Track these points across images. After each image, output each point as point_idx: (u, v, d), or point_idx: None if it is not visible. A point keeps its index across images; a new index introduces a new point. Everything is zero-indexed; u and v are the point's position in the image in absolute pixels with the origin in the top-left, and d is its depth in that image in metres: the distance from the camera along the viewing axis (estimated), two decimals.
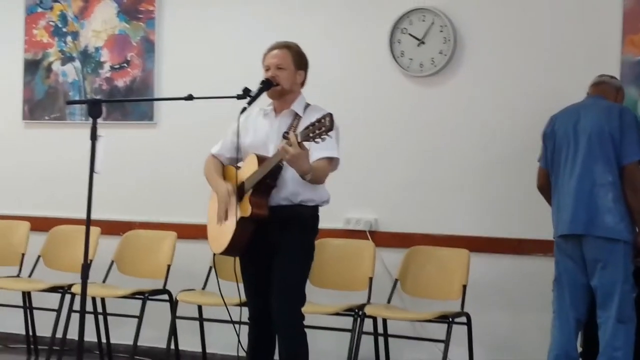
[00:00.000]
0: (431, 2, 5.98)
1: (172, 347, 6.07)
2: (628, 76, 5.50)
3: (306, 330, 4.51)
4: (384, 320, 5.74)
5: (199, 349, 6.21)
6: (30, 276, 6.58)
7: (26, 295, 6.58)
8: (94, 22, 6.92)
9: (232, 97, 4.51)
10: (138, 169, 6.76)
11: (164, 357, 6.03)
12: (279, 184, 4.43)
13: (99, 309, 6.41)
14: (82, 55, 6.95)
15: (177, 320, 6.01)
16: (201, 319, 6.13)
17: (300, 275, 4.53)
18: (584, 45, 5.68)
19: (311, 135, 4.10)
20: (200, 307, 6.08)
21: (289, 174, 4.41)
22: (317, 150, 4.32)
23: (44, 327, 6.51)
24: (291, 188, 4.45)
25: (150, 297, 6.02)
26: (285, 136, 4.35)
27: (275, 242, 4.45)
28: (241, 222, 4.41)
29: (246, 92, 4.49)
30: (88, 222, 4.07)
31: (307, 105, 4.60)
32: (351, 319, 5.60)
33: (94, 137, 4.10)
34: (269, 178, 4.39)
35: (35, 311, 6.62)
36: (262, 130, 4.59)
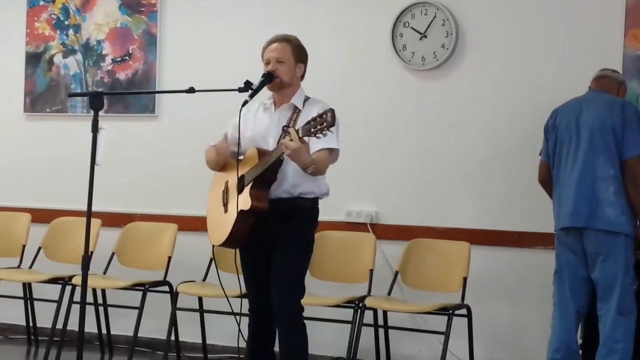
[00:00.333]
0: None
1: (173, 338, 6.08)
2: (630, 70, 5.50)
3: (306, 322, 4.53)
4: (384, 312, 5.75)
5: (199, 340, 6.22)
6: (30, 267, 6.58)
7: (27, 287, 6.60)
8: (95, 15, 6.92)
9: (234, 90, 4.51)
10: (139, 161, 6.77)
11: (164, 348, 6.03)
12: (279, 177, 4.44)
13: (100, 300, 6.42)
14: (84, 48, 6.95)
15: (178, 312, 6.02)
16: (201, 311, 6.14)
17: (299, 267, 4.54)
18: (586, 39, 5.68)
19: (313, 130, 4.11)
20: (200, 299, 6.09)
21: (290, 167, 4.42)
22: (317, 142, 4.32)
23: (44, 318, 6.52)
24: (291, 180, 4.46)
25: (150, 289, 6.03)
26: (285, 130, 4.36)
27: (275, 234, 4.46)
28: (241, 215, 4.42)
29: (248, 85, 4.49)
30: (89, 214, 4.07)
31: (307, 99, 4.61)
32: (351, 310, 5.60)
33: (95, 129, 4.10)
34: (270, 172, 4.39)
35: (35, 302, 6.63)
36: (262, 123, 4.60)
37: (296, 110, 4.54)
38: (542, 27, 5.80)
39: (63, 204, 6.81)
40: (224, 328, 5.65)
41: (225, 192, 4.61)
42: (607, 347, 4.84)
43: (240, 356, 4.99)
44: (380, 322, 5.79)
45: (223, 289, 4.77)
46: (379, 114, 6.15)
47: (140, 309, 5.96)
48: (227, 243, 4.52)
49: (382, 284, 5.81)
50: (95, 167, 4.09)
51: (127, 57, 6.81)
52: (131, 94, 6.83)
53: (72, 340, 5.79)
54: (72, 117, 6.98)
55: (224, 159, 4.62)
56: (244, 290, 4.69)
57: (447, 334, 5.37)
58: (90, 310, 6.22)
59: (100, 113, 4.15)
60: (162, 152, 6.71)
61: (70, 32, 6.99)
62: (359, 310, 5.57)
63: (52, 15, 7.05)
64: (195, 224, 6.06)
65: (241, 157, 4.58)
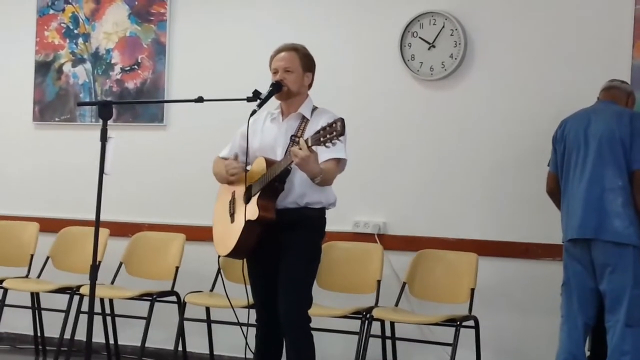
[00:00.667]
0: (442, 5, 5.98)
1: (180, 348, 6.07)
2: (639, 81, 5.48)
3: (314, 332, 4.52)
4: (392, 323, 5.74)
5: (207, 351, 6.22)
6: (39, 277, 6.59)
7: (35, 296, 6.60)
8: (105, 24, 6.94)
9: (242, 99, 4.52)
10: (147, 170, 6.77)
11: (171, 358, 6.03)
12: (286, 187, 4.44)
13: (107, 310, 6.43)
14: (93, 57, 6.96)
15: (185, 322, 6.02)
16: (209, 321, 6.14)
17: (306, 277, 4.54)
18: (594, 50, 5.67)
19: (322, 139, 4.11)
20: (208, 309, 6.09)
21: (297, 177, 4.42)
22: (325, 152, 4.32)
23: (52, 327, 6.52)
24: (298, 190, 4.46)
25: (158, 299, 6.03)
26: (294, 140, 4.35)
27: (282, 244, 4.46)
28: (248, 225, 4.42)
29: (256, 94, 4.50)
30: (97, 224, 4.08)
31: (315, 108, 4.61)
32: (359, 321, 5.59)
33: (104, 138, 4.11)
34: (277, 181, 4.39)
35: (43, 312, 6.63)
36: (269, 133, 4.60)
37: (304, 120, 4.54)
38: (550, 38, 5.79)
39: (71, 214, 6.82)
40: (232, 338, 5.64)
41: (232, 202, 4.61)
42: (615, 359, 4.82)
43: None
44: (388, 333, 5.77)
45: (229, 299, 4.77)
46: (387, 123, 6.14)
47: (148, 319, 5.95)
48: (234, 253, 4.52)
49: (390, 295, 5.80)
50: (104, 176, 4.10)
51: (136, 66, 6.82)
52: (140, 103, 6.84)
53: (80, 350, 5.80)
54: (81, 126, 7.00)
55: (234, 177, 4.60)
56: (251, 300, 4.69)
57: (454, 345, 5.35)
58: (98, 320, 6.22)
59: (109, 122, 4.17)
60: (170, 161, 6.71)
61: (80, 41, 7.01)
62: (366, 321, 5.56)
63: (62, 24, 7.07)
64: (203, 234, 6.05)
65: (248, 167, 4.58)
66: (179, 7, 6.74)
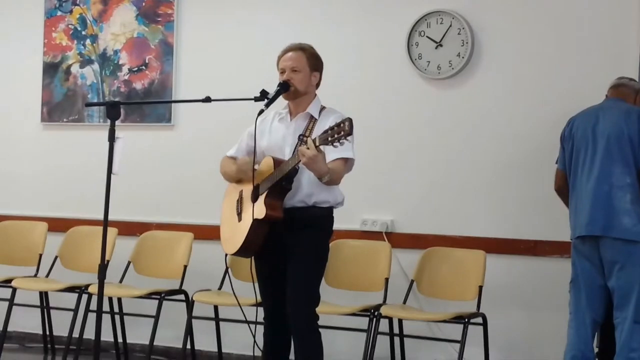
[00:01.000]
0: (449, 4, 5.99)
1: (188, 347, 6.09)
2: None
3: (322, 330, 4.53)
4: (400, 321, 5.75)
5: (215, 349, 6.23)
6: (47, 276, 6.61)
7: (43, 295, 6.63)
8: (112, 25, 6.96)
9: (250, 99, 4.53)
10: (155, 170, 6.79)
11: (180, 357, 6.05)
12: (294, 186, 4.44)
13: (116, 309, 6.44)
14: (101, 58, 6.98)
15: (193, 320, 6.04)
16: (217, 319, 6.15)
17: (314, 275, 4.55)
18: (601, 46, 5.67)
19: (330, 139, 4.11)
20: (216, 307, 6.11)
21: (305, 176, 4.43)
22: (332, 151, 4.33)
23: (61, 326, 6.55)
24: (306, 190, 4.47)
25: (166, 297, 6.05)
26: (302, 139, 4.36)
27: (289, 243, 4.47)
28: (255, 224, 4.43)
29: (263, 94, 4.50)
30: (105, 223, 4.10)
31: (323, 108, 4.61)
32: (367, 319, 5.60)
33: (112, 138, 4.13)
34: (285, 181, 4.40)
35: (52, 311, 6.66)
36: (278, 133, 4.60)
37: (312, 120, 4.55)
38: (557, 36, 5.79)
39: (79, 213, 6.85)
40: (240, 337, 5.66)
41: (240, 201, 4.62)
42: (623, 356, 4.82)
43: None
44: (396, 330, 5.78)
45: (236, 298, 4.77)
46: (395, 122, 6.15)
47: (156, 317, 5.97)
48: (241, 252, 4.53)
49: (398, 293, 5.81)
50: (112, 176, 4.12)
51: (143, 67, 6.84)
52: (148, 104, 6.85)
53: (89, 348, 5.82)
54: (89, 127, 7.02)
55: (245, 176, 4.61)
56: (259, 299, 4.70)
57: (462, 342, 5.36)
58: (106, 318, 6.24)
59: (117, 122, 4.18)
60: (178, 161, 6.72)
61: (88, 42, 7.03)
62: (375, 319, 5.57)
63: (70, 26, 7.09)
64: (211, 233, 6.05)
65: (256, 167, 4.59)
66: (186, 8, 6.75)
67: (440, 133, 6.04)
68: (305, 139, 4.31)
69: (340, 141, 4.10)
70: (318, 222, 4.54)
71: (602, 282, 4.95)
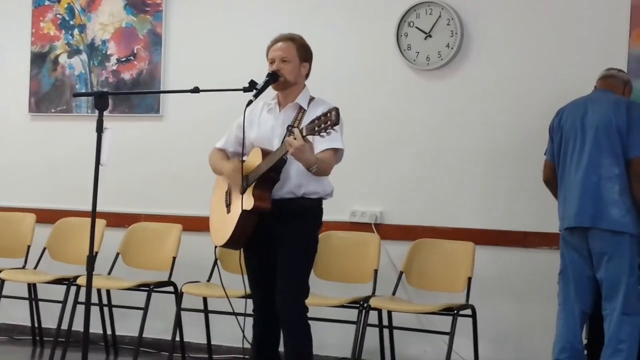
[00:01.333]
0: None
1: (177, 338, 6.08)
2: (635, 70, 5.48)
3: (311, 322, 4.52)
4: (389, 313, 5.75)
5: (204, 341, 6.23)
6: (35, 268, 6.59)
7: (32, 287, 6.61)
8: (101, 15, 6.92)
9: (238, 89, 4.52)
10: (144, 161, 6.77)
11: (169, 348, 6.03)
12: (282, 177, 4.43)
13: (104, 301, 6.43)
14: (89, 48, 6.95)
15: (182, 312, 6.02)
16: (206, 311, 6.14)
17: (303, 267, 4.54)
18: (591, 38, 5.67)
19: (317, 129, 4.11)
20: (205, 299, 6.10)
21: (293, 167, 4.42)
22: (321, 142, 4.32)
23: (49, 318, 6.53)
24: (295, 181, 4.45)
25: (155, 289, 6.04)
26: (289, 130, 4.35)
27: (278, 234, 4.46)
28: (243, 215, 4.42)
29: (252, 84, 4.49)
30: (93, 214, 4.08)
31: (312, 99, 4.60)
32: (356, 311, 5.60)
33: (100, 129, 4.11)
34: (273, 171, 4.39)
35: (40, 303, 6.65)
36: (266, 124, 4.59)
37: (301, 110, 4.53)
38: (547, 27, 5.79)
39: (68, 204, 6.82)
40: (229, 328, 5.64)
41: (229, 192, 4.60)
42: (612, 347, 4.83)
43: (245, 357, 5.00)
44: (385, 322, 5.79)
45: (225, 290, 4.77)
46: (384, 113, 6.14)
47: (145, 309, 5.96)
48: (229, 244, 4.51)
49: (387, 284, 5.81)
50: (100, 167, 4.10)
51: (132, 57, 6.81)
52: (136, 94, 6.83)
53: (77, 340, 5.79)
54: (77, 117, 6.99)
55: (233, 182, 4.57)
56: (248, 290, 4.69)
57: (451, 334, 5.37)
58: (95, 310, 6.21)
59: (105, 113, 4.17)
60: (167, 152, 6.71)
61: (76, 32, 7.00)
62: (364, 311, 5.57)
63: (58, 15, 7.06)
64: (200, 224, 6.05)
65: (245, 158, 4.57)
66: None
67: (430, 124, 6.04)
68: (292, 129, 4.29)
69: (327, 131, 4.09)
70: (307, 213, 4.53)
71: (591, 273, 4.96)
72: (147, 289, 6.00)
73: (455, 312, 5.39)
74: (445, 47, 5.96)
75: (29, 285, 6.58)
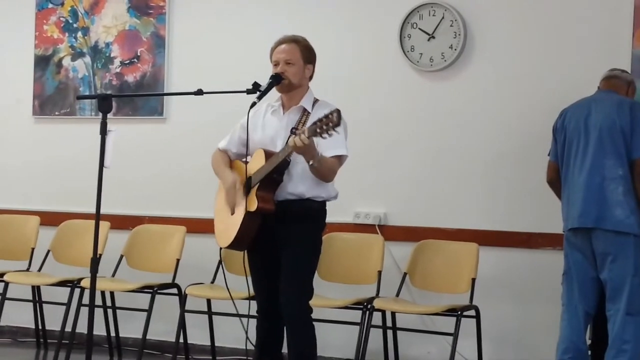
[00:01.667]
0: None
1: (181, 340, 6.08)
2: (638, 70, 5.47)
3: (315, 323, 4.53)
4: (393, 314, 5.75)
5: (208, 343, 6.23)
6: (39, 270, 6.59)
7: (36, 289, 6.62)
8: (104, 17, 6.93)
9: (242, 91, 4.52)
10: (148, 163, 6.77)
11: (172, 350, 6.03)
12: (286, 180, 4.43)
13: (108, 303, 6.43)
14: (93, 50, 6.96)
15: (186, 314, 6.03)
16: (210, 313, 6.15)
17: (308, 268, 4.54)
18: (594, 39, 5.67)
19: (318, 130, 4.11)
20: (209, 301, 6.10)
21: (297, 171, 4.43)
22: (326, 150, 4.34)
23: (53, 321, 6.54)
24: (299, 186, 4.46)
25: (159, 291, 6.04)
26: (294, 132, 4.35)
27: (282, 236, 4.46)
28: (247, 217, 4.42)
29: (256, 86, 4.49)
30: (97, 217, 4.09)
31: (316, 101, 4.60)
32: (360, 312, 5.60)
33: (103, 132, 4.11)
34: (276, 173, 4.40)
35: (44, 305, 6.65)
36: (271, 127, 4.59)
37: (305, 113, 4.54)
38: (550, 28, 5.79)
39: (72, 207, 6.83)
40: (233, 330, 5.64)
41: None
42: (616, 348, 4.83)
43: (249, 358, 4.99)
44: (389, 323, 5.78)
45: (229, 291, 4.77)
46: (387, 115, 6.14)
47: (149, 311, 5.96)
48: (234, 245, 4.52)
49: (391, 286, 5.80)
50: (104, 169, 4.10)
51: (135, 60, 6.82)
52: (139, 96, 6.83)
53: (81, 342, 5.78)
54: (81, 120, 6.99)
55: (232, 197, 4.57)
56: (252, 292, 4.69)
57: (455, 335, 5.36)
58: (99, 312, 6.21)
59: (109, 116, 4.17)
60: (170, 154, 6.71)
61: (79, 34, 7.01)
62: (368, 312, 5.57)
63: (61, 18, 7.06)
64: (203, 226, 6.06)
65: (248, 159, 4.57)
66: (178, 0, 6.72)
67: (433, 125, 6.04)
68: (298, 132, 4.30)
69: (329, 132, 4.09)
70: (311, 215, 4.53)
71: (595, 274, 4.96)
72: (151, 291, 6.00)
73: (459, 313, 5.39)
74: (448, 49, 5.96)
75: (33, 287, 6.59)
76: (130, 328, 6.49)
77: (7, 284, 6.32)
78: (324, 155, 4.34)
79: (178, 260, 6.24)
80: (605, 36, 5.65)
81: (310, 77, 4.63)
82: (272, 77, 4.53)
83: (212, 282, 6.11)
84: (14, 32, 7.23)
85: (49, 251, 6.64)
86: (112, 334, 6.49)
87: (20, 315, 6.88)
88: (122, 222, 6.63)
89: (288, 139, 4.39)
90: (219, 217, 4.66)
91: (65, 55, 7.04)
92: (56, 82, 7.06)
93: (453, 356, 5.38)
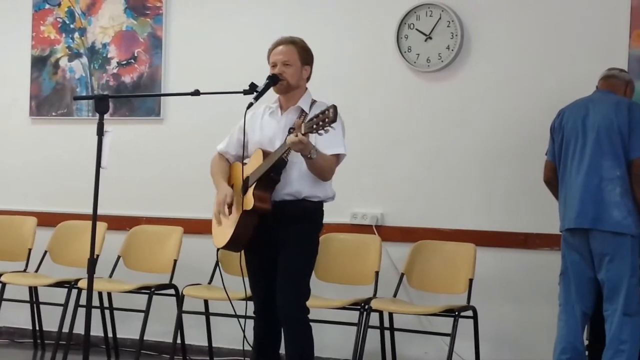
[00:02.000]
0: None
1: (179, 341, 6.08)
2: (635, 70, 5.47)
3: (312, 324, 4.53)
4: (390, 314, 5.75)
5: (205, 343, 6.23)
6: (37, 271, 6.59)
7: (33, 290, 6.62)
8: (101, 18, 6.93)
9: (239, 92, 4.53)
10: (145, 164, 6.77)
11: (170, 351, 6.02)
12: (283, 181, 4.44)
13: (106, 304, 6.43)
14: (90, 51, 6.96)
15: (183, 315, 6.02)
16: (207, 314, 6.14)
17: (305, 269, 4.55)
18: (591, 39, 5.67)
19: (315, 127, 4.12)
20: (206, 302, 6.10)
21: (295, 172, 4.43)
22: (324, 148, 4.35)
23: (50, 321, 6.53)
24: (296, 186, 4.46)
25: (156, 292, 6.04)
26: (291, 132, 4.36)
27: (279, 236, 4.47)
28: (244, 216, 4.43)
29: (252, 87, 4.49)
30: (94, 217, 4.09)
31: (314, 102, 4.61)
32: (357, 313, 5.60)
33: (100, 132, 4.11)
34: (273, 172, 4.40)
35: (41, 306, 6.64)
36: (268, 128, 4.60)
37: (303, 114, 4.54)
38: (547, 28, 5.79)
39: (69, 208, 6.82)
40: (230, 331, 5.65)
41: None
42: (613, 348, 4.83)
43: (246, 359, 4.99)
44: (386, 324, 5.78)
45: (227, 292, 4.77)
46: (384, 115, 6.14)
47: (146, 312, 5.96)
48: (230, 245, 4.52)
49: (388, 286, 5.80)
50: (101, 170, 4.10)
51: (132, 60, 6.81)
52: (136, 97, 6.83)
53: (79, 343, 5.79)
54: (78, 121, 6.99)
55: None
56: (249, 293, 4.69)
57: (453, 335, 5.36)
58: (96, 313, 6.21)
59: (106, 116, 4.18)
60: (167, 155, 6.71)
61: (76, 35, 7.00)
62: (365, 313, 5.57)
63: (58, 19, 7.06)
64: (201, 227, 6.06)
65: (247, 160, 4.58)
66: (175, 0, 6.72)
67: (430, 126, 6.04)
68: (293, 130, 4.30)
69: (325, 128, 4.10)
70: (308, 215, 4.54)
71: (592, 274, 4.96)
72: (148, 291, 6.00)
73: (457, 313, 5.39)
74: (445, 49, 5.96)
75: (30, 288, 6.58)
76: (127, 329, 6.48)
77: (4, 284, 6.31)
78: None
79: (175, 261, 6.23)
80: (602, 36, 5.65)
81: (308, 78, 4.64)
82: (269, 77, 4.54)
83: (210, 282, 6.11)
84: (10, 32, 7.22)
85: (46, 252, 6.64)
86: (110, 334, 6.48)
87: (17, 316, 6.88)
88: (119, 223, 6.62)
89: (285, 139, 4.40)
90: (216, 217, 4.66)
91: (62, 56, 7.04)
92: (53, 82, 7.06)
93: (450, 357, 5.39)
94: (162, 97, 6.73)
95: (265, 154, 4.44)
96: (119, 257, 6.43)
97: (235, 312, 4.76)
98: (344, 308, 5.63)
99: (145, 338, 6.00)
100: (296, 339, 4.48)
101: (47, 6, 7.10)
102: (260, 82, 4.50)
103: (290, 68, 4.54)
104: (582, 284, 4.98)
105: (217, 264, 5.79)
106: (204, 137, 6.01)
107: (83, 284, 5.99)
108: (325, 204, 4.61)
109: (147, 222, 6.65)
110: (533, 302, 5.72)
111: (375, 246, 5.90)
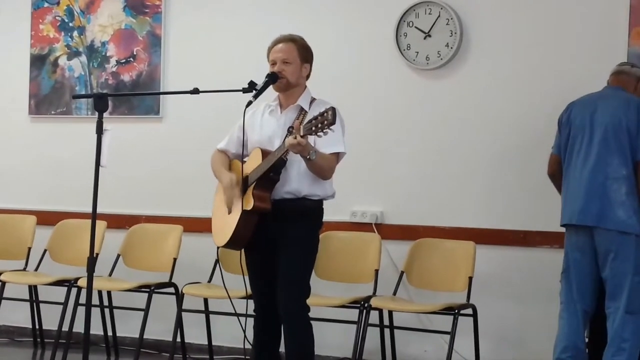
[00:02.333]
0: None
1: (178, 339, 6.07)
2: None
3: (312, 322, 4.53)
4: (390, 313, 5.75)
5: (205, 342, 6.22)
6: (36, 270, 6.59)
7: (32, 289, 6.61)
8: (100, 16, 6.92)
9: (238, 90, 4.52)
10: (144, 162, 6.77)
11: (170, 349, 6.02)
12: (283, 179, 4.43)
13: (105, 302, 6.43)
14: (89, 50, 6.95)
15: (183, 313, 6.02)
16: (207, 312, 6.14)
17: (305, 267, 4.55)
18: (590, 37, 5.67)
19: (314, 129, 4.12)
20: (206, 300, 6.09)
21: (294, 171, 4.43)
22: (324, 147, 4.34)
23: (50, 320, 6.53)
24: (296, 184, 4.46)
25: (156, 290, 6.03)
26: (291, 131, 4.36)
27: (279, 235, 4.46)
28: (244, 215, 4.42)
29: (252, 85, 4.49)
30: (94, 216, 4.08)
31: (313, 100, 4.60)
32: (357, 311, 5.60)
33: (100, 131, 4.11)
34: (273, 171, 4.40)
35: (41, 304, 6.64)
36: (268, 126, 4.59)
37: (302, 112, 4.54)
38: (546, 26, 5.79)
39: (68, 206, 6.82)
40: (230, 329, 5.65)
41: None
42: (615, 346, 4.83)
43: (246, 357, 5.00)
44: (386, 322, 5.79)
45: (227, 290, 4.77)
46: (384, 113, 6.14)
47: (146, 310, 5.96)
48: (230, 244, 4.52)
49: (388, 284, 5.80)
50: (100, 168, 4.10)
51: (131, 59, 6.81)
52: (136, 95, 6.83)
53: (78, 342, 5.79)
54: (77, 119, 6.99)
55: (229, 197, 4.57)
56: (249, 291, 4.69)
57: (452, 333, 5.36)
58: (96, 312, 6.20)
59: (105, 115, 4.18)
60: (167, 153, 6.70)
61: (75, 34, 7.00)
62: (365, 311, 5.57)
63: (57, 17, 7.06)
64: (200, 226, 6.06)
65: (246, 160, 4.58)
66: None
67: (430, 124, 6.04)
68: (292, 130, 4.30)
69: (324, 130, 4.09)
70: (308, 213, 4.53)
71: (594, 273, 4.95)
72: (148, 290, 6.00)
73: (456, 311, 5.39)
74: (444, 47, 5.96)
75: (29, 287, 6.58)
76: (127, 327, 6.48)
77: (3, 283, 6.31)
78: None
79: (175, 259, 6.23)
80: (601, 34, 5.64)
81: (308, 76, 4.64)
82: (268, 75, 4.53)
83: (209, 281, 6.10)
84: (9, 31, 7.22)
85: (45, 250, 6.64)
86: (109, 333, 6.48)
87: (17, 315, 6.88)
88: (119, 221, 6.62)
89: (285, 137, 4.39)
90: (217, 216, 4.67)
91: (61, 54, 7.03)
92: (52, 81, 7.05)
93: (450, 355, 5.39)
94: (161, 96, 6.74)
95: (265, 154, 4.44)
96: (118, 256, 6.43)
97: (235, 311, 4.75)
98: (343, 306, 5.63)
99: (145, 336, 6.00)
100: (296, 337, 4.48)
101: (46, 5, 7.09)
102: (260, 81, 4.50)
103: (290, 66, 4.54)
104: (584, 282, 4.97)
105: (217, 262, 5.79)
106: (203, 136, 6.01)
107: (83, 282, 5.99)
108: (325, 202, 4.61)
109: (147, 220, 6.65)
110: (533, 300, 5.72)
111: (375, 244, 5.90)
